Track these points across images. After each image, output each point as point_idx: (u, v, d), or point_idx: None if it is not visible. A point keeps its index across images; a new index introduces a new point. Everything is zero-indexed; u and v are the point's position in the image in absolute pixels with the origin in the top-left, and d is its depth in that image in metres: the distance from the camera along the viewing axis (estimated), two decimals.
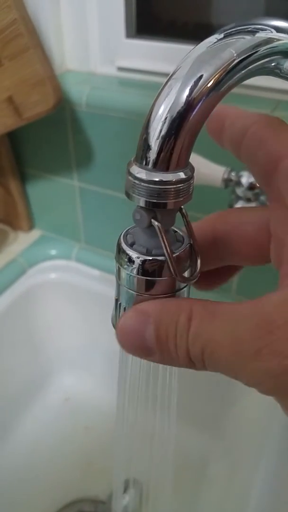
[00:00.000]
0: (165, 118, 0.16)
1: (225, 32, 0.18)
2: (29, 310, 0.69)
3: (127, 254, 0.19)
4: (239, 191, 0.38)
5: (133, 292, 0.19)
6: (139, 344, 0.17)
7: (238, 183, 0.38)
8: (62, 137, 0.58)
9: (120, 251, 0.19)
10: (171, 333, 0.16)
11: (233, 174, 0.39)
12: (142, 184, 0.17)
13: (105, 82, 0.55)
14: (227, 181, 0.39)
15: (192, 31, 0.52)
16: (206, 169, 0.39)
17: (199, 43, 0.18)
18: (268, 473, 0.48)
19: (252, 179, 0.38)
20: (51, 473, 0.65)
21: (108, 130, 0.54)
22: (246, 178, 0.38)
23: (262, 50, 0.17)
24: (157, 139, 0.16)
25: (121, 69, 0.56)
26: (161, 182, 0.16)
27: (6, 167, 0.63)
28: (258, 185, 0.21)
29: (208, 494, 0.62)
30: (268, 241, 0.19)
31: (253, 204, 0.39)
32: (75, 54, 0.57)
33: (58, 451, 0.68)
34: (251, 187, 0.38)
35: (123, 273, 0.19)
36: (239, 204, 0.39)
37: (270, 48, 0.17)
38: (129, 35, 0.54)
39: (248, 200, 0.39)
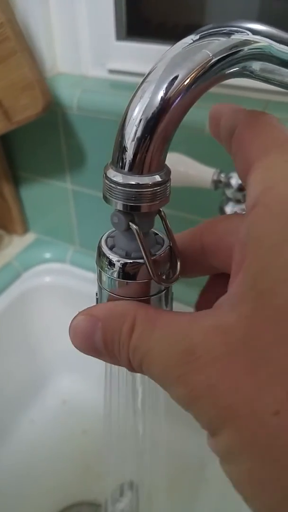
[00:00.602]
0: (140, 120, 0.16)
1: (201, 34, 0.18)
2: (25, 314, 0.69)
3: (107, 257, 0.19)
4: (229, 192, 0.38)
5: (113, 295, 0.19)
6: (90, 346, 0.18)
7: (228, 185, 0.38)
8: (54, 140, 0.58)
9: (100, 254, 0.19)
10: (115, 340, 0.17)
11: (222, 175, 0.39)
12: (119, 187, 0.17)
13: (96, 85, 0.55)
14: (216, 183, 0.39)
15: (182, 32, 0.52)
16: (195, 171, 0.39)
17: None
18: None
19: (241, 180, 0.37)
20: (49, 476, 0.65)
21: (100, 132, 0.54)
22: (235, 180, 0.38)
23: (238, 51, 0.17)
24: (132, 141, 0.16)
25: (112, 71, 0.56)
26: (137, 186, 0.16)
27: None
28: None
29: (206, 496, 0.61)
30: None
31: (243, 205, 0.39)
32: (66, 57, 0.57)
33: (56, 454, 0.68)
34: (240, 188, 0.37)
35: (104, 276, 0.19)
36: (229, 206, 0.39)
37: (245, 49, 0.17)
38: (119, 37, 0.54)
39: (238, 201, 0.39)
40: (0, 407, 0.68)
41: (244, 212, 0.20)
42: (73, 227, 0.68)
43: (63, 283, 0.68)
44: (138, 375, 0.26)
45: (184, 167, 0.39)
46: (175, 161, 0.39)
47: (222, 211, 0.40)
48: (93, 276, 0.67)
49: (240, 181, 0.38)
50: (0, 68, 0.42)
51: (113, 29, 0.53)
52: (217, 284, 0.22)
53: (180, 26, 0.54)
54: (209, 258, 0.20)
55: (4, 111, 0.45)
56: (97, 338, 0.17)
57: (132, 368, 0.17)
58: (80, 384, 0.74)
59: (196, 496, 0.62)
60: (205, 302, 0.23)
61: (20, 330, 0.69)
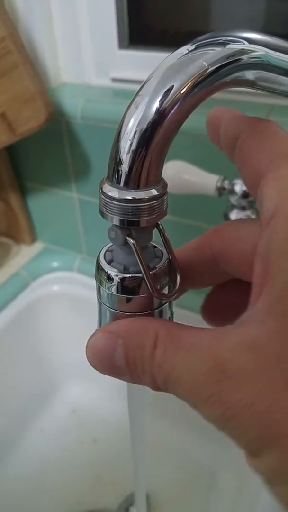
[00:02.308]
0: (135, 132, 0.16)
1: (197, 44, 0.18)
2: (33, 323, 0.69)
3: (105, 272, 0.18)
4: (233, 199, 0.38)
5: (114, 310, 0.19)
6: (109, 365, 0.17)
7: (232, 192, 0.38)
8: (59, 150, 0.58)
9: (99, 268, 0.19)
10: (138, 357, 0.16)
11: (226, 182, 0.38)
12: (114, 202, 0.16)
13: (100, 94, 0.55)
14: (220, 190, 0.38)
15: (184, 39, 0.52)
16: (199, 178, 0.38)
17: None
18: None
19: (245, 187, 0.37)
20: (59, 486, 0.65)
21: (105, 141, 0.54)
22: (239, 186, 0.37)
23: (234, 61, 0.17)
24: (128, 154, 0.16)
25: (115, 80, 0.56)
26: (133, 200, 0.16)
27: (6, 181, 0.63)
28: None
29: (217, 503, 0.61)
30: None
31: (248, 212, 0.38)
32: (70, 67, 0.57)
33: (67, 464, 0.67)
34: (244, 195, 0.37)
35: (103, 291, 0.19)
36: (234, 213, 0.39)
37: (242, 59, 0.17)
38: (122, 46, 0.54)
39: (243, 208, 0.38)
40: (10, 417, 0.68)
41: (251, 217, 0.20)
42: (80, 236, 0.68)
43: (71, 292, 0.68)
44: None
45: (188, 174, 0.39)
46: (179, 169, 0.39)
47: (227, 218, 0.40)
48: None
49: (244, 188, 0.37)
50: (3, 81, 0.43)
51: (115, 38, 0.53)
52: (224, 288, 0.22)
53: (183, 32, 0.54)
54: (222, 265, 0.20)
55: (8, 123, 0.45)
56: (118, 356, 0.17)
57: (156, 387, 0.16)
58: (90, 392, 0.74)
59: (207, 504, 0.61)
60: (212, 306, 0.22)
61: (29, 339, 0.69)
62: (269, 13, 0.48)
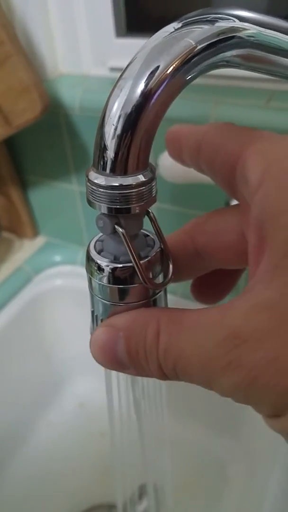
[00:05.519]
0: (119, 116, 0.15)
1: (184, 21, 0.17)
2: (37, 317, 0.69)
3: (96, 262, 0.18)
4: None
5: (106, 301, 0.18)
6: (113, 359, 0.17)
7: None
8: (58, 142, 0.58)
9: (89, 259, 0.18)
10: (141, 348, 0.16)
11: None
12: (101, 190, 0.16)
13: (98, 84, 0.55)
14: None
15: None
16: None
17: None
18: (286, 473, 0.47)
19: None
20: (67, 479, 0.65)
21: None
22: None
23: (223, 39, 0.16)
24: (112, 139, 0.15)
25: (113, 69, 0.55)
26: (120, 187, 0.16)
27: (6, 175, 0.63)
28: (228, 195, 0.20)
29: (227, 494, 0.61)
30: None
31: None
32: (67, 57, 0.56)
33: (74, 457, 0.68)
34: None
35: (94, 282, 0.18)
36: (234, 201, 0.38)
37: (231, 37, 0.16)
38: (119, 34, 0.53)
39: None
40: (17, 411, 0.68)
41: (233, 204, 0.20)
42: (82, 229, 0.67)
43: (74, 286, 0.68)
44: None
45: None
46: None
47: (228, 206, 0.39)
48: None
49: None
50: None
51: (112, 26, 0.52)
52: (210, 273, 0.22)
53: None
54: (205, 258, 0.20)
55: (4, 116, 0.45)
56: (120, 349, 0.17)
57: (163, 375, 0.16)
58: (97, 386, 0.73)
59: (217, 495, 0.61)
60: (201, 286, 0.23)
61: (34, 334, 0.69)
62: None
